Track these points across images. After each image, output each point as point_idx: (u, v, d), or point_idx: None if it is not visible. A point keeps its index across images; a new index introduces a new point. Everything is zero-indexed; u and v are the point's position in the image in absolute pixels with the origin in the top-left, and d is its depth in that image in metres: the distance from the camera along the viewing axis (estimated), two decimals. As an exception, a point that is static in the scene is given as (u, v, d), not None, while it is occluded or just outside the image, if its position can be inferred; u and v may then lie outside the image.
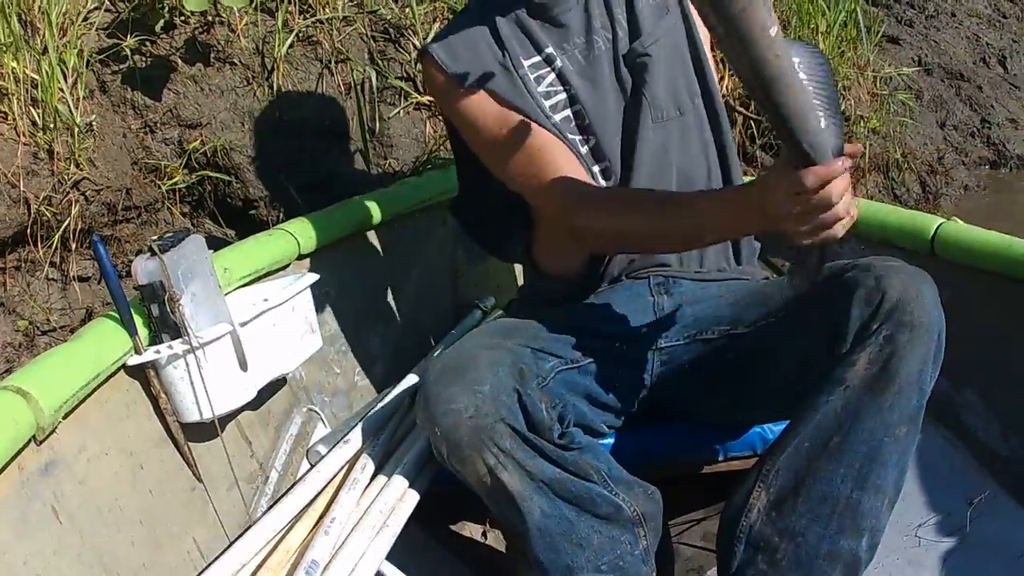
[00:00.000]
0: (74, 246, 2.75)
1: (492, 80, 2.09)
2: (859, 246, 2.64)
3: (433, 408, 1.69)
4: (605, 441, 2.04)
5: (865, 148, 4.38)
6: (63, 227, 2.69)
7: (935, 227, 2.47)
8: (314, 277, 2.18)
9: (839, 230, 1.56)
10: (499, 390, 1.69)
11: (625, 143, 2.12)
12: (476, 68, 2.10)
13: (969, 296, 2.36)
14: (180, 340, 1.81)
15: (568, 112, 2.12)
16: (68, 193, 2.71)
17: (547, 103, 2.11)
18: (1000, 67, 6.36)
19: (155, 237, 1.91)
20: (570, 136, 2.10)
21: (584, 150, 2.11)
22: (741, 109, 4.14)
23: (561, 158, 2.05)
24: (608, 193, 2.04)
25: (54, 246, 2.70)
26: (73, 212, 2.70)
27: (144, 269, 1.81)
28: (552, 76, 2.13)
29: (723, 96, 3.77)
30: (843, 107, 4.31)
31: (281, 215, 3.03)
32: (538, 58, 2.14)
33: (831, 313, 1.78)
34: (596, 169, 2.11)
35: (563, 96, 2.12)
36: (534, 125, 2.06)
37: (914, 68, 5.54)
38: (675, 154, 2.14)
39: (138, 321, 1.80)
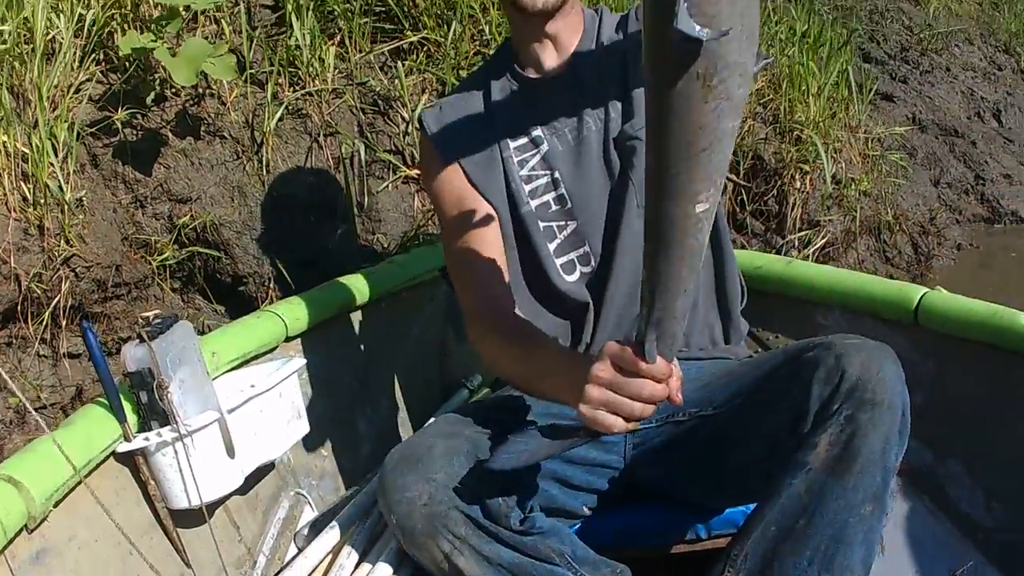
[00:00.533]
0: (64, 323, 2.81)
1: (469, 157, 2.17)
2: (843, 317, 2.69)
3: (389, 496, 1.75)
4: (576, 523, 2.09)
5: (856, 211, 4.44)
6: (53, 304, 2.76)
7: (919, 297, 2.51)
8: (301, 362, 2.23)
9: (616, 427, 1.60)
10: (453, 478, 1.74)
11: (608, 228, 2.17)
12: (459, 141, 2.19)
13: (954, 366, 2.42)
14: (168, 427, 1.87)
15: (549, 197, 2.17)
16: (58, 270, 2.78)
17: (527, 187, 2.17)
18: (995, 120, 6.47)
19: (143, 323, 1.96)
20: (543, 224, 2.16)
21: (563, 235, 2.16)
22: (731, 176, 4.22)
23: (488, 272, 2.11)
24: (501, 331, 2.05)
25: (44, 323, 2.76)
26: (63, 289, 2.78)
27: (133, 356, 1.87)
28: (537, 159, 2.18)
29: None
30: (834, 170, 4.40)
31: (270, 291, 3.10)
32: (525, 140, 2.19)
33: (794, 393, 1.81)
34: (573, 256, 2.17)
35: (546, 179, 2.17)
36: (489, 218, 2.14)
37: (908, 127, 5.63)
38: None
39: (127, 408, 1.86)
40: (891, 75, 6.27)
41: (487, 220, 2.15)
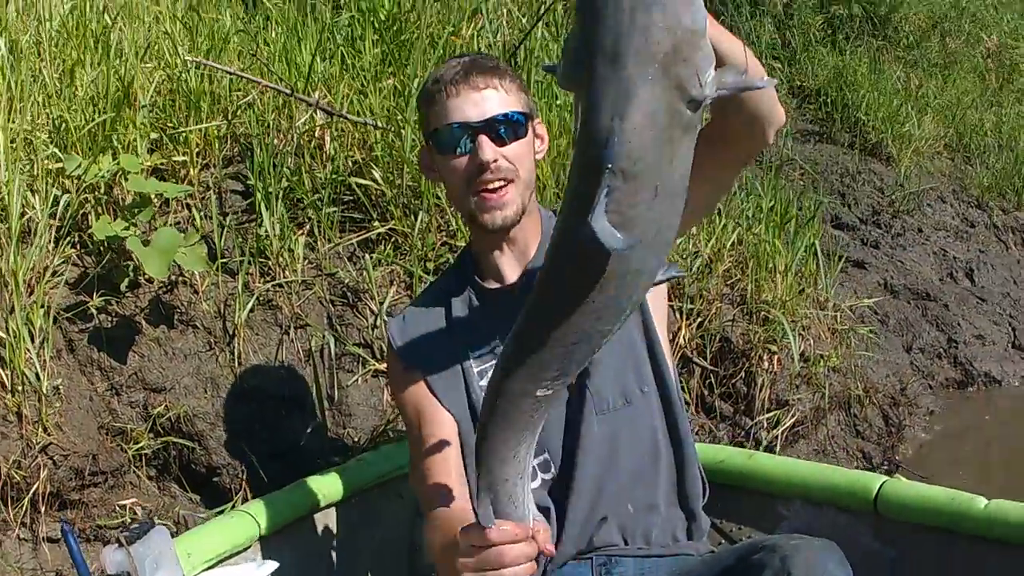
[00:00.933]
0: (43, 508, 3.02)
1: (431, 369, 2.36)
2: (804, 508, 2.82)
3: None
4: None
5: (825, 388, 4.65)
6: (32, 490, 2.97)
7: (878, 486, 2.66)
8: (273, 565, 2.41)
9: None
10: None
11: (569, 436, 2.33)
12: (422, 353, 2.39)
13: (914, 553, 2.59)
14: (149, 631, 2.09)
15: None
16: (36, 457, 3.00)
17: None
18: (968, 280, 6.73)
19: (122, 527, 2.17)
20: None
21: None
22: (699, 360, 4.44)
23: (445, 479, 2.22)
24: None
25: (24, 507, 2.98)
26: (42, 475, 2.99)
27: (112, 560, 2.07)
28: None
29: (681, 346, 4.12)
30: (803, 347, 4.65)
31: (243, 483, 3.30)
32: (486, 351, 2.37)
33: None
34: (535, 463, 2.29)
35: None
36: (448, 428, 2.31)
37: (878, 295, 5.86)
38: (624, 446, 2.33)
39: None
40: (862, 240, 6.55)
41: (446, 430, 2.31)
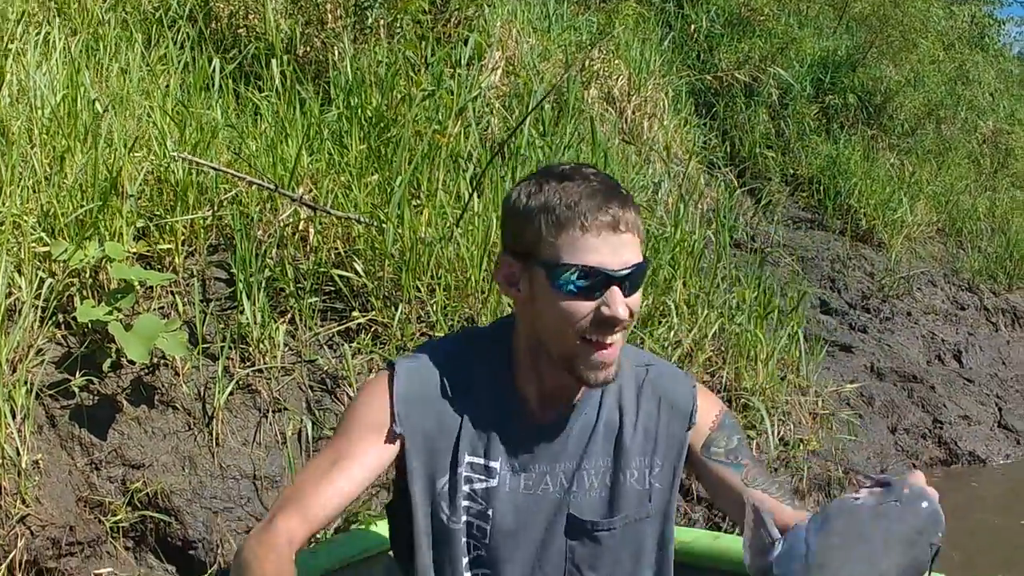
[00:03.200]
0: (20, 575, 3.12)
1: (421, 442, 2.15)
2: None
3: None
4: None
5: (804, 470, 4.73)
6: (9, 558, 3.07)
7: None
8: None
9: None
10: None
11: None
12: (419, 420, 2.14)
13: None
14: None
15: (475, 521, 2.18)
16: (14, 527, 3.10)
17: (464, 503, 2.16)
18: (955, 362, 6.84)
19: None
20: (465, 539, 2.17)
21: (476, 553, 2.19)
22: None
23: (329, 506, 2.08)
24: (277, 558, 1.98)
25: (1, 574, 3.06)
26: (19, 544, 3.09)
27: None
28: (481, 487, 2.18)
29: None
30: (782, 433, 4.73)
31: (219, 557, 3.39)
32: (481, 462, 2.18)
33: None
34: (482, 573, 2.20)
35: (480, 508, 2.17)
36: (357, 484, 2.11)
37: (864, 378, 5.95)
38: None
39: None
40: (851, 325, 6.67)
41: (358, 484, 2.12)
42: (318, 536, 3.39)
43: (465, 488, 2.16)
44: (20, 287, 3.43)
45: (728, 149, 7.87)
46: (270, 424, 3.64)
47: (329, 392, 3.80)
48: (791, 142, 8.28)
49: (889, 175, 8.33)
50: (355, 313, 3.97)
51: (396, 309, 3.96)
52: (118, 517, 3.34)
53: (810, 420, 5.01)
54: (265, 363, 3.72)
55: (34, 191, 3.79)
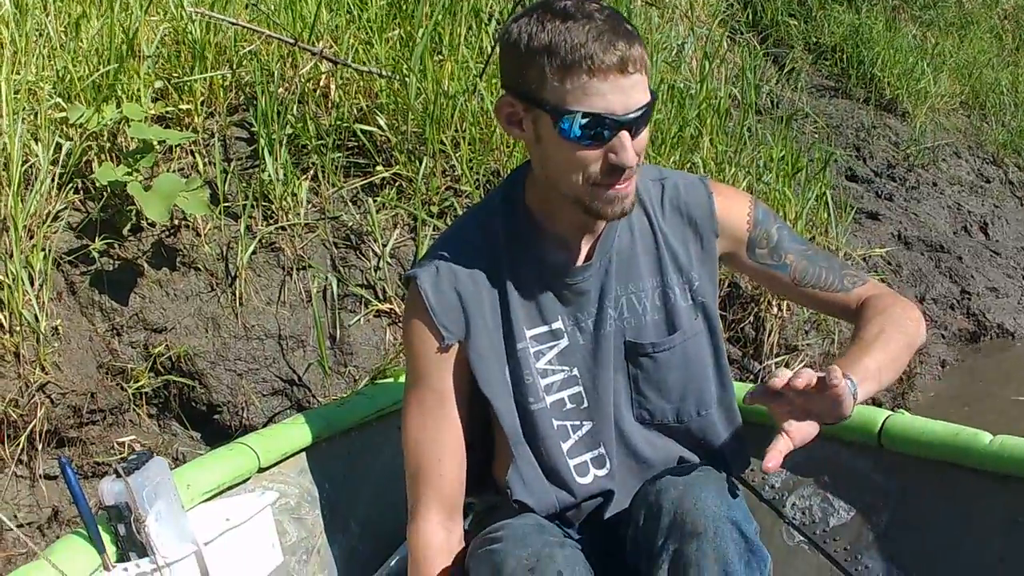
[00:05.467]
0: (41, 446, 3.04)
1: (475, 342, 2.16)
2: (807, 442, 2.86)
3: None
4: None
5: (836, 334, 4.65)
6: (29, 428, 2.99)
7: (882, 420, 2.62)
8: (274, 496, 2.44)
9: None
10: None
11: (617, 434, 2.22)
12: (464, 320, 2.15)
13: (917, 485, 2.58)
14: (147, 559, 2.09)
15: (565, 394, 2.19)
16: (34, 396, 3.02)
17: (543, 381, 2.17)
18: (982, 234, 6.72)
19: (120, 458, 2.18)
20: (558, 423, 2.17)
21: (578, 435, 2.19)
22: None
23: (452, 466, 2.19)
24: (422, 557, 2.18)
25: (21, 445, 3.00)
26: (39, 414, 3.01)
27: (110, 491, 2.09)
28: (555, 352, 2.18)
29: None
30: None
31: (244, 421, 3.33)
32: (544, 329, 2.18)
33: (634, 534, 2.01)
34: (588, 457, 2.19)
35: (563, 375, 2.18)
36: (468, 407, 2.19)
37: (891, 246, 5.84)
38: (659, 459, 2.24)
39: (106, 539, 2.07)
40: (877, 193, 6.54)
41: (466, 408, 2.18)
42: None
43: (539, 365, 2.17)
44: (36, 154, 3.30)
45: (751, 16, 7.67)
46: (294, 282, 3.55)
47: (354, 248, 3.70)
48: (814, 10, 8.06)
49: (911, 46, 8.13)
50: (379, 168, 3.85)
51: (420, 163, 3.84)
52: (140, 383, 3.26)
53: (841, 284, 4.89)
54: (288, 220, 3.61)
55: (50, 59, 3.65)
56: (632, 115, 1.95)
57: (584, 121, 1.93)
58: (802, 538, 2.73)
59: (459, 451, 2.19)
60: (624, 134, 1.95)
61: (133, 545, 2.09)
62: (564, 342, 2.18)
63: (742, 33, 7.25)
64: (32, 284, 3.10)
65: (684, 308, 2.23)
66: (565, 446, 2.18)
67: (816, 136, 6.54)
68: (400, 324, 3.52)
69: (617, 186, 2.00)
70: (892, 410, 2.72)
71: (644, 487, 2.05)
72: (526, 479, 2.18)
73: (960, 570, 2.47)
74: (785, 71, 7.24)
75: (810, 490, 2.76)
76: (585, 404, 2.19)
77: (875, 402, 4.46)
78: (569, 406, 2.19)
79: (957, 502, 2.52)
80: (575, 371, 2.18)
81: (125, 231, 3.38)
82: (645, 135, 2.03)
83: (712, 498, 1.92)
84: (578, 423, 2.19)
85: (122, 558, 2.10)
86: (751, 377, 4.37)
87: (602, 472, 2.20)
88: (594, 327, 2.19)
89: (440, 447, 2.17)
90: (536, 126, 2.02)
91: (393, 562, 2.64)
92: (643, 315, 2.21)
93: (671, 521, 1.91)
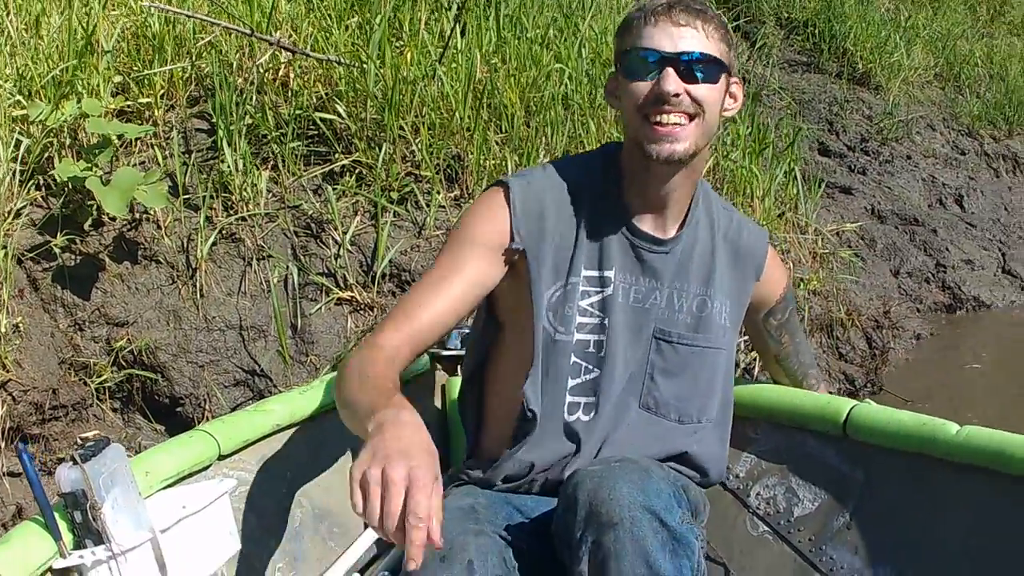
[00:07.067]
0: (3, 444, 3.06)
1: (542, 255, 2.30)
2: (772, 431, 2.84)
3: None
4: None
5: (806, 310, 4.69)
6: (-10, 425, 3.02)
7: (847, 410, 2.66)
8: (232, 483, 2.46)
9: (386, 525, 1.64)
10: None
11: (618, 404, 2.37)
12: (538, 230, 2.30)
13: (882, 475, 2.61)
14: (103, 547, 2.12)
15: (592, 338, 2.33)
16: (-5, 394, 3.05)
17: (578, 319, 2.31)
18: (957, 206, 6.77)
19: (76, 446, 2.21)
20: (574, 359, 2.32)
21: (585, 377, 2.33)
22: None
23: (436, 325, 2.23)
24: (382, 361, 2.13)
25: (-17, 443, 3.02)
26: (1, 412, 3.03)
27: (67, 478, 2.11)
28: (598, 298, 2.34)
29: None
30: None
31: (206, 413, 3.36)
32: (596, 273, 2.33)
33: (558, 527, 2.06)
34: (582, 400, 2.33)
35: (597, 321, 2.33)
36: (468, 298, 2.26)
37: (864, 220, 5.88)
38: (652, 446, 2.37)
39: (62, 526, 2.08)
40: (850, 167, 6.58)
41: (468, 298, 2.26)
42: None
43: (582, 303, 2.32)
44: (-2, 151, 3.32)
45: (721, -9, 7.71)
46: (255, 272, 3.58)
47: (315, 237, 3.73)
48: (785, -17, 8.09)
49: (884, 19, 8.17)
50: (338, 155, 3.88)
51: (380, 149, 3.87)
52: (103, 378, 3.30)
53: (810, 259, 4.95)
54: (248, 211, 3.64)
55: (11, 56, 3.69)
56: (677, 52, 2.17)
57: (635, 55, 2.22)
58: (766, 528, 2.76)
59: (451, 313, 2.25)
60: (669, 69, 2.18)
61: (89, 532, 2.11)
62: (608, 291, 2.33)
63: (712, 8, 7.26)
64: (-7, 282, 3.13)
65: (715, 322, 2.45)
66: (571, 382, 2.33)
67: (787, 112, 6.57)
68: (360, 312, 3.59)
69: (663, 124, 2.20)
70: (871, 395, 2.74)
71: (566, 480, 2.12)
72: (540, 392, 2.32)
73: (926, 561, 2.49)
74: (757, 47, 7.27)
75: (775, 480, 2.79)
76: (602, 353, 2.33)
77: (847, 381, 4.52)
78: (589, 349, 2.33)
79: (923, 493, 2.54)
80: (606, 321, 2.33)
81: (86, 226, 3.41)
82: (703, 89, 2.22)
83: (627, 488, 1.95)
84: (589, 367, 2.34)
85: (78, 545, 2.12)
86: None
87: (586, 418, 2.34)
88: (638, 299, 2.36)
89: (434, 300, 2.23)
90: (619, 85, 2.29)
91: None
92: (678, 312, 2.41)
93: (587, 513, 1.95)
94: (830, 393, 2.93)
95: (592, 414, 2.34)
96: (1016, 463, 2.33)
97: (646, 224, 2.36)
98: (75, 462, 2.11)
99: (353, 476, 1.70)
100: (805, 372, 2.84)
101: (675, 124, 2.20)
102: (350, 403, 2.07)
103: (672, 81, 2.17)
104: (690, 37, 2.18)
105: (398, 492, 1.63)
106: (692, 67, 2.18)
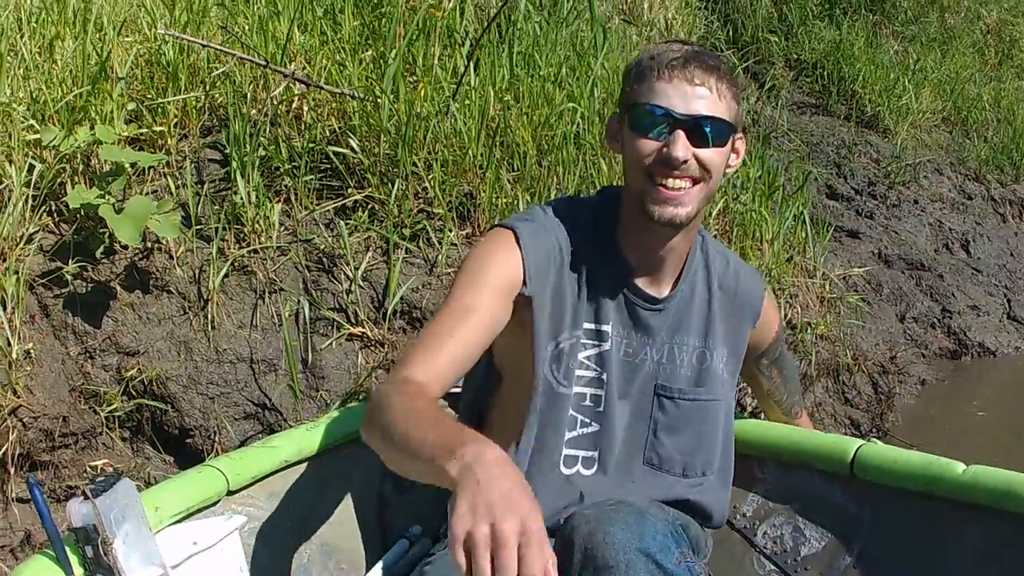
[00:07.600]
0: (12, 470, 3.07)
1: (547, 304, 2.29)
2: (779, 471, 2.86)
3: None
4: None
5: (813, 355, 4.69)
6: (1, 452, 3.02)
7: (855, 449, 2.69)
8: (242, 519, 2.48)
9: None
10: None
11: (621, 460, 2.38)
12: (544, 276, 2.29)
13: (890, 515, 2.63)
14: (113, 582, 2.14)
15: (588, 391, 2.34)
16: (6, 420, 3.05)
17: (576, 372, 2.32)
18: (963, 251, 6.77)
19: (87, 480, 2.22)
20: (571, 412, 2.32)
21: (583, 431, 2.34)
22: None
23: (456, 363, 2.16)
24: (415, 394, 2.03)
25: (-7, 469, 3.03)
26: (11, 438, 3.04)
27: (78, 512, 2.13)
28: (595, 352, 2.35)
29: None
30: (790, 316, 4.66)
31: (216, 444, 3.36)
32: (594, 327, 2.34)
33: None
34: (581, 454, 2.34)
35: (594, 375, 2.35)
36: (485, 333, 2.21)
37: (871, 265, 5.88)
38: (655, 497, 2.36)
39: (73, 560, 2.09)
40: (857, 211, 6.59)
41: (485, 333, 2.21)
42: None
43: (580, 357, 2.32)
44: (10, 176, 3.35)
45: (730, 32, 7.74)
46: (266, 306, 3.59)
47: (326, 271, 3.73)
48: (794, 27, 8.11)
49: (893, 62, 8.20)
50: (351, 190, 3.89)
51: (393, 185, 3.88)
52: (113, 407, 3.31)
53: (818, 304, 4.96)
54: (260, 243, 3.65)
55: (24, 80, 3.71)
56: (690, 116, 2.18)
57: (645, 111, 2.21)
58: (773, 567, 2.78)
59: (472, 353, 2.20)
60: (680, 132, 2.19)
61: (100, 567, 2.12)
62: (607, 346, 2.34)
63: (722, 51, 7.30)
64: (4, 308, 3.14)
65: (716, 373, 2.47)
66: (568, 434, 2.33)
67: (796, 154, 6.59)
68: (371, 348, 3.59)
69: (668, 187, 2.21)
70: (865, 438, 2.76)
71: (563, 523, 2.12)
72: (533, 439, 2.32)
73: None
74: (765, 88, 7.30)
75: (782, 519, 2.81)
76: (600, 408, 2.35)
77: (853, 426, 4.52)
78: (586, 403, 2.34)
79: (930, 532, 2.55)
80: (604, 376, 2.34)
81: (98, 254, 3.42)
82: (711, 153, 2.23)
83: (621, 531, 1.96)
84: (587, 420, 2.34)
85: (89, 579, 2.14)
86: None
87: (587, 472, 2.35)
88: (629, 352, 2.38)
89: (457, 338, 2.16)
90: (622, 130, 2.31)
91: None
92: (679, 367, 2.42)
93: (583, 556, 1.96)
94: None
95: (594, 468, 2.36)
96: (1023, 502, 2.36)
97: (642, 282, 2.38)
98: (86, 497, 2.12)
99: (455, 535, 1.54)
100: (791, 402, 2.93)
101: (680, 188, 2.22)
102: (404, 443, 1.84)
103: (682, 147, 2.18)
104: (703, 98, 2.20)
105: (511, 554, 1.51)
106: (703, 130, 2.20)
